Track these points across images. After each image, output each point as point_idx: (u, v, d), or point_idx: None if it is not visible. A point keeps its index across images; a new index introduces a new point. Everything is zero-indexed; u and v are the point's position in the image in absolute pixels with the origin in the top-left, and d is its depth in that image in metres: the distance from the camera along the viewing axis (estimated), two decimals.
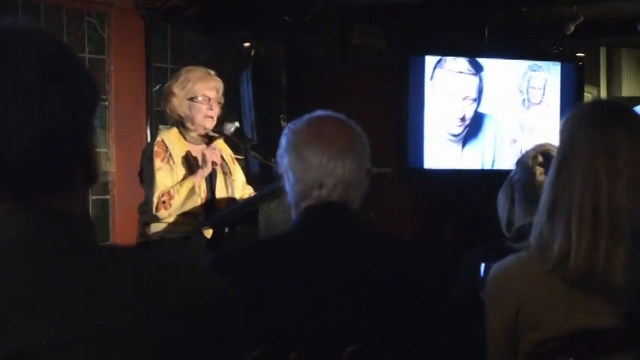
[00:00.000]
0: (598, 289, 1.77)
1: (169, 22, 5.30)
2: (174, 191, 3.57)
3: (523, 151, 2.59)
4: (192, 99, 3.67)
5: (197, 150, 3.69)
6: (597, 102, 1.97)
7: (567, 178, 1.83)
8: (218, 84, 3.76)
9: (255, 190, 3.94)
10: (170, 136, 3.70)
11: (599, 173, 1.80)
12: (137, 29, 5.12)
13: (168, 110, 3.74)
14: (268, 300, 1.78)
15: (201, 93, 3.68)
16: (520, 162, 2.51)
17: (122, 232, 4.90)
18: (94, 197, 4.80)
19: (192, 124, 3.70)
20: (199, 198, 3.62)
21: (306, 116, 1.94)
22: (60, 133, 0.99)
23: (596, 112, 1.90)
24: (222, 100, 3.77)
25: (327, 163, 1.85)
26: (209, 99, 3.69)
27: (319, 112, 1.95)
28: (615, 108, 1.93)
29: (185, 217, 3.62)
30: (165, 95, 3.76)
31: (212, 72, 3.80)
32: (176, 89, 3.69)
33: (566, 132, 1.89)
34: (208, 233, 3.68)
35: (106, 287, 0.98)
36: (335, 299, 1.79)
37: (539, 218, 1.87)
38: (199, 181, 3.61)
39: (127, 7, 5.05)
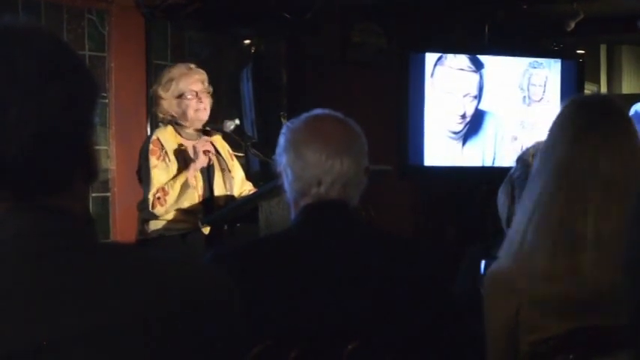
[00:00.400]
0: (587, 292, 1.77)
1: (170, 19, 5.29)
2: (169, 187, 3.57)
3: (523, 148, 2.59)
4: (180, 96, 3.68)
5: (192, 145, 3.69)
6: (575, 101, 1.95)
7: (539, 187, 1.84)
8: (202, 76, 3.76)
9: (255, 187, 3.94)
10: (165, 134, 3.71)
11: (562, 181, 1.81)
12: (137, 27, 5.12)
13: (160, 114, 3.76)
14: (268, 298, 1.78)
15: (187, 89, 3.69)
16: (520, 159, 2.50)
17: (122, 229, 4.90)
18: (94, 195, 4.80)
19: (187, 121, 3.71)
20: (196, 193, 3.62)
21: (304, 115, 1.94)
22: (60, 132, 0.99)
23: (570, 112, 1.90)
24: (211, 89, 3.77)
25: (326, 160, 1.85)
26: (196, 92, 3.70)
27: (317, 111, 1.95)
28: (593, 106, 1.92)
29: (184, 214, 3.62)
30: (154, 100, 3.78)
31: (192, 65, 3.80)
32: (162, 92, 3.70)
33: (546, 134, 1.90)
34: (207, 230, 3.67)
35: (106, 286, 0.98)
36: (335, 297, 1.79)
37: (517, 228, 1.87)
38: (192, 174, 3.61)
39: (128, 4, 5.04)
